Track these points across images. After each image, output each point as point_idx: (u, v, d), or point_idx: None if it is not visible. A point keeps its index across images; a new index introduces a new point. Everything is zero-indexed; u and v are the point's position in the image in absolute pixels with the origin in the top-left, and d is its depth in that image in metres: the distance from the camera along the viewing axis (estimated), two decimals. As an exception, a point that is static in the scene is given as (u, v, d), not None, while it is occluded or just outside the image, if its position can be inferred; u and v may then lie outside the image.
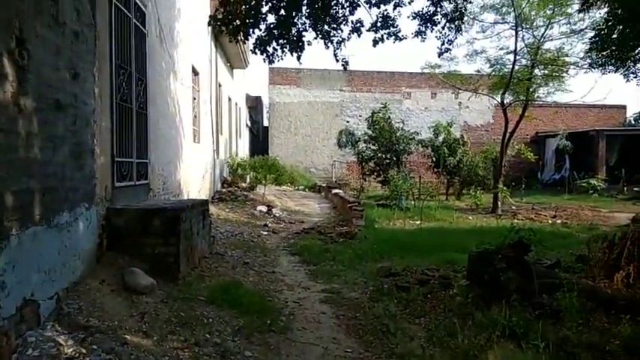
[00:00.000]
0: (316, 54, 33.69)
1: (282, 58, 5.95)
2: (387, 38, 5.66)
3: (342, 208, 13.10)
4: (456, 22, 5.46)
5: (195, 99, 10.42)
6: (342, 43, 5.81)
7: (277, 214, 12.02)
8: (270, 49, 5.82)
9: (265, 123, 31.31)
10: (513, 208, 18.30)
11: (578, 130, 27.30)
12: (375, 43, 5.68)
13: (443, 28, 5.55)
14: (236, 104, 19.51)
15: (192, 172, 9.70)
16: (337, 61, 5.94)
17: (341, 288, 5.88)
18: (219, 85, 14.26)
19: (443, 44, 5.76)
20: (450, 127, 19.18)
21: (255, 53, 6.00)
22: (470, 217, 15.60)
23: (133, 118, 5.59)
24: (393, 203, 14.29)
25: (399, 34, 5.64)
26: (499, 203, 16.85)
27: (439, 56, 6.22)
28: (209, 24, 6.24)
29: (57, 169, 3.66)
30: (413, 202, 16.40)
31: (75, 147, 3.99)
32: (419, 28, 5.59)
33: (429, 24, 5.47)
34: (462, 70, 18.22)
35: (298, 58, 5.90)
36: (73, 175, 3.94)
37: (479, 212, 17.10)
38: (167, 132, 7.48)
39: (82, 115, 4.15)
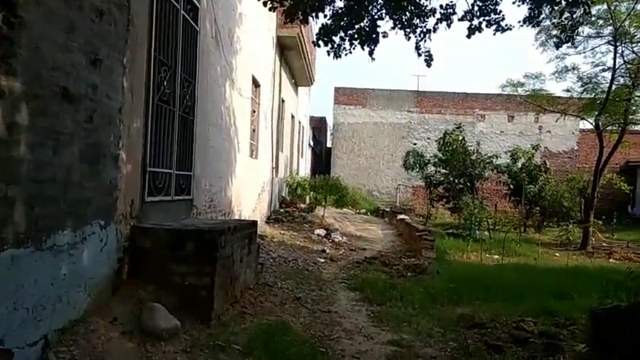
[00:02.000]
0: (384, 75, 32.77)
1: (350, 52, 4.97)
2: (487, 27, 4.51)
3: (409, 236, 11.81)
4: (582, 1, 4.20)
5: (254, 112, 9.74)
6: (428, 35, 4.75)
7: (336, 239, 10.97)
8: (337, 40, 4.87)
9: (329, 144, 30.66)
10: (604, 245, 16.04)
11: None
12: (471, 32, 4.54)
13: (562, 12, 4.31)
14: (299, 123, 18.91)
15: (247, 190, 8.94)
16: (419, 55, 4.86)
17: (412, 340, 4.67)
18: (282, 101, 13.64)
19: (563, 32, 4.49)
20: (536, 150, 17.20)
21: (319, 45, 5.06)
22: (557, 254, 13.70)
23: (175, 123, 4.83)
24: (467, 234, 12.77)
25: (502, 23, 4.48)
26: (590, 239, 14.76)
27: (557, 48, 4.98)
28: (264, 4, 5.37)
29: (57, 174, 2.87)
30: (488, 234, 14.77)
31: (88, 149, 3.20)
32: (530, 13, 4.40)
33: (545, 3, 4.26)
34: (549, 89, 16.38)
35: (371, 53, 4.90)
36: (83, 183, 3.15)
37: (566, 248, 15.09)
38: (219, 143, 6.73)
39: (103, 111, 3.38)
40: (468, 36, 4.56)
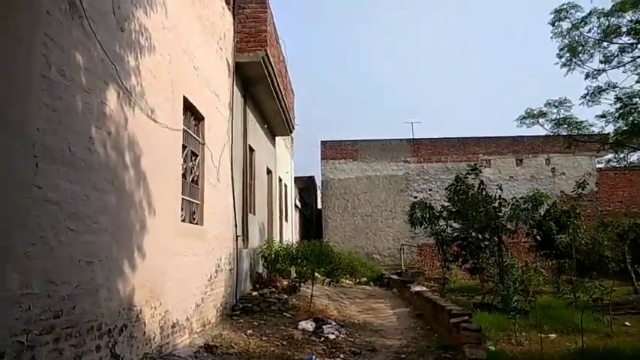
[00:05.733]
0: (374, 127, 30.47)
1: None
2: None
3: (433, 318, 8.34)
4: None
5: (195, 156, 6.61)
6: None
7: (332, 335, 7.46)
8: None
9: (320, 206, 27.55)
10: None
11: None
12: None
13: None
14: (280, 180, 15.84)
15: (182, 276, 5.61)
16: None
17: None
18: (251, 150, 10.63)
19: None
20: (583, 189, 14.00)
21: None
22: (627, 323, 10.27)
23: None
24: (512, 307, 9.29)
25: None
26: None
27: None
28: None
29: None
30: (526, 302, 11.36)
31: None
32: None
33: None
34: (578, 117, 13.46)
35: None
36: None
37: (625, 312, 11.71)
38: (83, 197, 3.52)
39: None
40: None
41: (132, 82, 4.42)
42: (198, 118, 6.71)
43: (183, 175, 5.99)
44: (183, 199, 5.92)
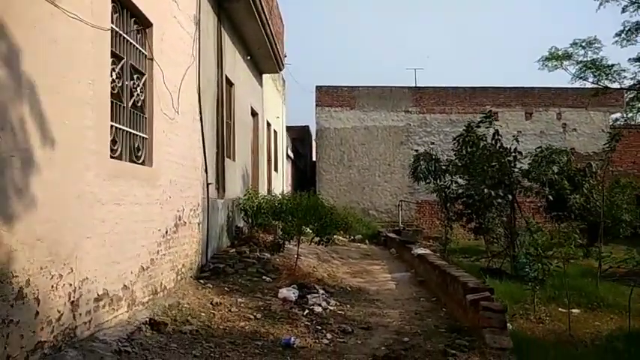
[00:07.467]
0: (373, 72, 28.41)
1: None
2: None
3: (440, 289, 6.99)
4: None
5: (140, 74, 4.96)
6: None
7: (318, 307, 6.10)
8: None
9: (314, 157, 26.04)
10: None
11: None
12: None
13: None
14: (268, 125, 14.19)
15: (112, 230, 4.12)
16: None
17: None
18: (229, 83, 8.95)
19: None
20: (617, 141, 12.34)
21: None
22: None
23: None
24: (532, 277, 7.95)
25: None
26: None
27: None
28: None
29: None
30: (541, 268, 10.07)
31: None
32: None
33: None
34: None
35: None
36: None
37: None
38: None
39: None
40: None
41: None
42: (143, 22, 5.00)
43: (117, 96, 4.38)
44: (116, 127, 4.33)
